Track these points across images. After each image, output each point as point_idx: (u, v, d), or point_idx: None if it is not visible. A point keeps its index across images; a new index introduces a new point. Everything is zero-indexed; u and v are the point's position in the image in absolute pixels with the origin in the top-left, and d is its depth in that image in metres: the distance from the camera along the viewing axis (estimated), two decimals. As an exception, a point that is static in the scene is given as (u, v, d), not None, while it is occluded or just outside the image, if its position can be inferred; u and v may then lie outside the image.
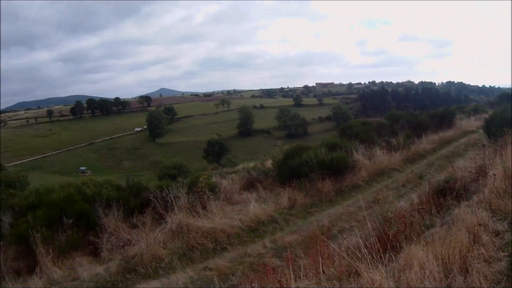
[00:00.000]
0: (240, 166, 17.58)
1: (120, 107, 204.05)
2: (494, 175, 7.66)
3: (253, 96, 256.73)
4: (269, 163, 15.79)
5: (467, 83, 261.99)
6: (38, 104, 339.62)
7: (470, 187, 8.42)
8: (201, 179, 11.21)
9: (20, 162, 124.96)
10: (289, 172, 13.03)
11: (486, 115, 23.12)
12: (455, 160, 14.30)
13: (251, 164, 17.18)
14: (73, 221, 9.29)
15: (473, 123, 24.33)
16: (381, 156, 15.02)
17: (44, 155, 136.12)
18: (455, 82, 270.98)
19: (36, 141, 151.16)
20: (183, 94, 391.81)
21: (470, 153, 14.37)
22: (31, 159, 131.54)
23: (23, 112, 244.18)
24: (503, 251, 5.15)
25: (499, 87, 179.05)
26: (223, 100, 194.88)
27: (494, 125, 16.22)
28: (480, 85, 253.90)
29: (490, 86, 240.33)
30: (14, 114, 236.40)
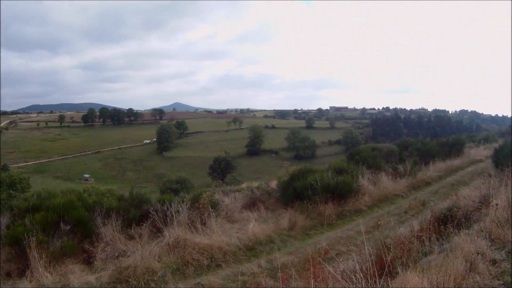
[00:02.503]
0: (244, 185, 17.55)
1: (132, 118, 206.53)
2: (497, 204, 7.57)
3: (266, 116, 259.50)
4: (273, 184, 15.78)
5: (480, 112, 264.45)
6: (51, 108, 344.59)
7: (472, 216, 8.32)
8: (204, 195, 11.12)
9: (25, 164, 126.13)
10: (293, 194, 13.00)
11: (496, 145, 22.96)
12: (460, 188, 14.09)
13: (256, 184, 17.16)
14: (70, 228, 9.23)
15: (482, 152, 24.14)
16: (386, 182, 14.90)
17: (50, 159, 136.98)
18: (468, 110, 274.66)
19: (44, 145, 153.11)
20: (196, 109, 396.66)
21: (475, 182, 14.22)
22: (36, 162, 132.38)
23: (35, 115, 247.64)
24: (498, 280, 5.09)
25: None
26: (235, 118, 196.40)
27: (503, 155, 16.09)
28: (493, 115, 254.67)
29: (503, 115, 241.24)
30: (26, 116, 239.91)
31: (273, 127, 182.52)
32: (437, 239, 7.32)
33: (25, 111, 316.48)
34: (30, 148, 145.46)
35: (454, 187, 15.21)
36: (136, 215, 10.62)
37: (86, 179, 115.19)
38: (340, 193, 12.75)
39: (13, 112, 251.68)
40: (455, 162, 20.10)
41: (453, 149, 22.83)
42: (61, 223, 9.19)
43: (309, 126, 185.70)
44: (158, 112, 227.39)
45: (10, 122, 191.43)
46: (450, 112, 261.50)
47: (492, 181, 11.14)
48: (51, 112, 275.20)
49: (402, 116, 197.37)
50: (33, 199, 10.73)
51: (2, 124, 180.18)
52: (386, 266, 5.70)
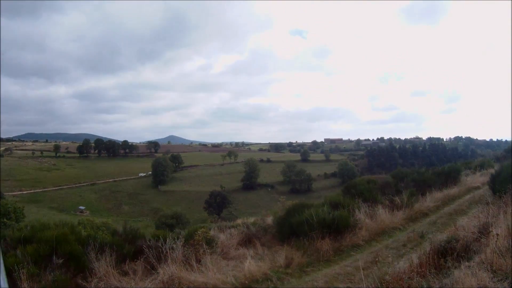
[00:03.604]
0: (239, 221, 17.32)
1: (127, 150, 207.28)
2: (497, 234, 7.41)
3: (261, 149, 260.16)
4: (269, 219, 15.58)
5: (475, 138, 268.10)
6: (46, 137, 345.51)
7: (472, 247, 8.13)
8: (199, 232, 11.09)
9: (20, 192, 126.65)
10: (289, 230, 12.78)
11: (492, 170, 22.86)
12: (459, 218, 13.89)
13: (251, 219, 16.95)
14: (63, 262, 9.10)
15: (479, 179, 23.99)
16: (383, 215, 14.70)
17: (45, 189, 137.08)
18: (463, 137, 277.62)
19: (39, 174, 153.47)
20: (191, 142, 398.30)
21: (473, 211, 14.03)
22: (31, 191, 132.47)
23: (30, 143, 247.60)
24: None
25: (506, 141, 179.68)
26: (230, 151, 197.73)
27: (500, 181, 15.96)
28: (488, 139, 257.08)
29: (497, 139, 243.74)
30: (21, 143, 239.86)
31: (268, 160, 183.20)
32: (437, 273, 7.13)
33: (21, 138, 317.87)
34: (25, 177, 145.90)
35: (452, 217, 14.99)
36: (130, 251, 10.54)
37: (82, 211, 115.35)
38: (336, 228, 12.51)
39: (8, 139, 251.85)
40: (452, 190, 19.92)
41: (450, 177, 22.67)
42: (54, 256, 9.08)
43: (305, 159, 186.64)
44: (153, 145, 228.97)
45: (6, 149, 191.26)
46: (444, 140, 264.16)
47: (490, 209, 11.00)
48: (47, 141, 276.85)
49: (397, 146, 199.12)
50: (26, 230, 10.60)
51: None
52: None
